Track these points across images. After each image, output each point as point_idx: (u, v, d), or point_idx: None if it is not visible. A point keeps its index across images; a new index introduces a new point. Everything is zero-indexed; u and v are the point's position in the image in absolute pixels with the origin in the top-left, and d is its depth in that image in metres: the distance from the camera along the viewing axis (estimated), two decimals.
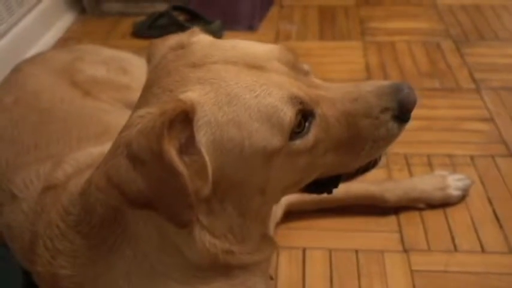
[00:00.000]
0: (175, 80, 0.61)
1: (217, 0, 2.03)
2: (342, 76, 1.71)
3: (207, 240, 0.66)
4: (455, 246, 1.11)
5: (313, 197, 1.15)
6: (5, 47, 1.71)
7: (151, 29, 1.95)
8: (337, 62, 1.80)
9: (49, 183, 0.86)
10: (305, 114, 0.62)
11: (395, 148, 1.38)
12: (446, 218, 1.18)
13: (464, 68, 1.70)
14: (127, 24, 2.08)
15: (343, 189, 1.15)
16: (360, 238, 1.15)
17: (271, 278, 1.05)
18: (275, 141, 0.60)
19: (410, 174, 1.30)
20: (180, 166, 0.55)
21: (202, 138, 0.58)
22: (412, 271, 1.06)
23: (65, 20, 2.09)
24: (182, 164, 0.55)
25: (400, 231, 1.15)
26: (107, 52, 1.36)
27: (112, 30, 2.08)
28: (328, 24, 2.04)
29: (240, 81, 0.59)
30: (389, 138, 0.67)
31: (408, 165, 1.33)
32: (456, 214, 1.18)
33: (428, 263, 1.08)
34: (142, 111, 0.58)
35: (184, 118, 0.57)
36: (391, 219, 1.18)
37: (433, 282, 1.04)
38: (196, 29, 0.73)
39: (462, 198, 1.20)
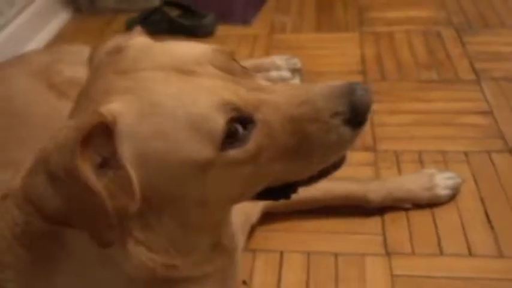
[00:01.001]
0: (101, 89, 0.58)
1: None
2: (336, 69, 1.65)
3: (143, 254, 0.62)
4: (441, 249, 1.05)
5: (293, 198, 1.13)
6: None
7: (144, 25, 1.92)
8: (332, 55, 1.74)
9: (8, 191, 0.85)
10: (242, 121, 0.57)
11: (385, 145, 1.32)
12: (433, 219, 1.11)
13: (465, 58, 1.62)
14: (121, 21, 2.06)
15: (323, 190, 1.12)
16: (340, 241, 1.10)
17: (245, 283, 1.02)
18: (206, 152, 0.55)
19: (400, 172, 1.24)
20: (96, 185, 0.51)
21: (125, 152, 0.54)
22: (393, 276, 1.01)
23: (60, 19, 2.08)
24: (99, 182, 0.52)
25: (384, 234, 1.10)
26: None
27: (106, 27, 2.07)
28: (325, 15, 1.97)
29: (166, 89, 0.55)
30: (343, 144, 0.62)
31: (398, 162, 1.27)
32: (444, 215, 1.12)
33: (411, 267, 1.02)
34: (64, 124, 0.55)
35: (105, 131, 0.53)
36: (375, 221, 1.13)
37: None
38: (138, 30, 0.69)
39: (452, 197, 1.14)
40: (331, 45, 1.79)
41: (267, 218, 1.13)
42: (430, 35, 1.76)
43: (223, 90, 0.57)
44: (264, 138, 0.59)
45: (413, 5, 1.95)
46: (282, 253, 1.09)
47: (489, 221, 1.09)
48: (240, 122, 0.57)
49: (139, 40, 0.65)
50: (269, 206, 1.11)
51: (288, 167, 0.63)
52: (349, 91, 0.59)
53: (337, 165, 0.67)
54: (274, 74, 1.55)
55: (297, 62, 1.60)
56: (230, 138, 0.56)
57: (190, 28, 1.89)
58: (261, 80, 0.64)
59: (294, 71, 1.59)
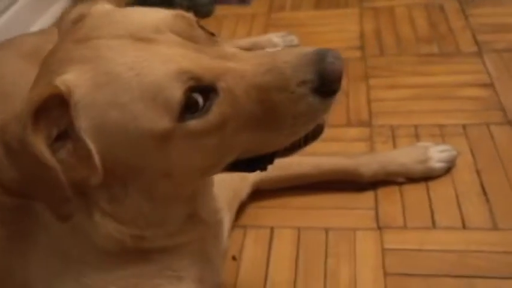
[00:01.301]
0: (59, 59, 0.57)
1: None
2: (334, 45, 1.61)
3: (111, 226, 0.62)
4: (433, 222, 1.03)
5: (284, 174, 1.12)
6: None
7: (143, 6, 1.91)
8: (331, 31, 1.70)
9: None
10: (203, 91, 0.55)
11: (381, 120, 1.30)
12: (427, 192, 1.09)
13: (467, 31, 1.57)
14: (121, 4, 2.05)
15: (313, 165, 1.11)
16: (332, 216, 1.08)
17: (234, 259, 1.02)
18: (163, 123, 0.53)
19: (395, 146, 1.22)
20: (48, 158, 0.51)
21: (82, 123, 0.53)
22: (383, 250, 0.99)
23: (61, 2, 2.08)
24: (55, 155, 0.52)
25: (376, 208, 1.08)
26: None
27: None
28: None
29: (121, 58, 0.53)
30: (313, 114, 0.59)
31: (393, 137, 1.24)
32: (439, 188, 1.10)
33: (402, 241, 1.01)
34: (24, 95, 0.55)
35: (60, 103, 0.53)
36: (368, 196, 1.11)
37: (404, 261, 0.96)
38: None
39: (447, 170, 1.12)
40: (330, 21, 1.75)
41: (258, 194, 1.12)
42: (432, 8, 1.71)
43: (182, 58, 0.55)
44: (229, 107, 0.57)
45: None
46: (272, 229, 1.08)
47: (485, 193, 1.07)
48: (200, 92, 0.55)
49: (100, 7, 0.64)
50: (259, 183, 1.10)
51: (257, 137, 0.61)
52: (318, 59, 0.56)
53: (314, 136, 0.65)
54: (270, 51, 1.53)
55: (293, 39, 1.58)
56: (190, 108, 0.54)
57: (188, 8, 1.86)
58: (229, 48, 0.61)
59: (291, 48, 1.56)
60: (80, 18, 0.64)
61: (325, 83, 0.56)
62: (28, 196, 0.55)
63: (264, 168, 0.68)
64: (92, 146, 0.54)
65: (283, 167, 1.09)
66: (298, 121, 0.59)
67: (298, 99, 0.57)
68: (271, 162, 0.67)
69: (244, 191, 1.07)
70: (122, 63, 0.53)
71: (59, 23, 0.70)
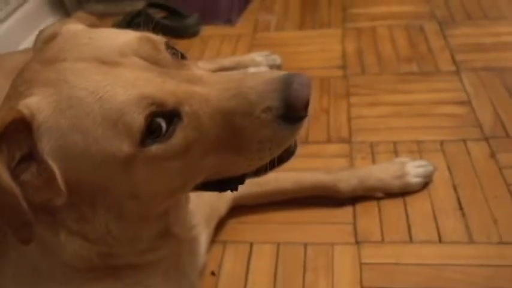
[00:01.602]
0: (25, 80, 0.57)
1: None
2: (316, 64, 1.65)
3: (77, 243, 0.62)
4: (411, 236, 1.04)
5: (263, 189, 1.13)
6: None
7: (129, 27, 1.94)
8: (313, 51, 1.74)
9: None
10: (167, 116, 0.55)
11: (361, 136, 1.32)
12: (405, 207, 1.11)
13: (446, 50, 1.61)
14: (108, 25, 2.08)
15: (292, 180, 1.12)
16: (311, 231, 1.09)
17: (213, 274, 1.02)
18: (124, 148, 0.54)
19: (374, 162, 1.23)
20: (8, 184, 0.51)
21: (45, 146, 0.54)
22: (361, 264, 1.00)
23: (49, 23, 2.11)
24: (13, 181, 0.52)
25: (354, 223, 1.09)
26: None
27: None
28: (309, 13, 1.97)
29: (83, 82, 0.54)
30: (279, 140, 0.59)
31: (373, 153, 1.26)
32: (416, 203, 1.11)
33: (379, 255, 1.01)
34: None
35: (23, 126, 0.53)
36: (347, 210, 1.12)
37: (381, 275, 0.97)
38: (77, 15, 0.70)
39: (424, 186, 1.13)
40: (313, 41, 1.79)
41: (237, 210, 1.13)
42: (412, 29, 1.75)
43: (144, 83, 0.54)
44: (193, 132, 0.57)
45: (396, 0, 1.94)
46: (251, 244, 1.08)
47: (461, 208, 1.08)
48: (163, 116, 0.55)
49: (71, 27, 0.64)
50: (239, 198, 1.11)
51: (223, 161, 0.60)
52: (284, 85, 0.56)
53: (285, 158, 0.65)
54: (253, 70, 1.56)
55: (276, 58, 1.61)
56: (153, 132, 0.54)
57: (174, 29, 1.90)
58: (196, 70, 0.62)
59: (273, 67, 1.59)
60: (53, 37, 0.64)
61: (291, 110, 0.56)
62: None
63: (234, 189, 0.67)
64: (55, 168, 0.54)
65: (262, 183, 1.11)
66: (264, 146, 0.59)
67: (262, 125, 0.57)
68: (241, 182, 0.67)
69: (223, 206, 1.07)
70: (84, 88, 0.53)
71: (34, 42, 0.71)
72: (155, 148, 0.55)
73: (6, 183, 0.51)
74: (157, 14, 1.96)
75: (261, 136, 0.58)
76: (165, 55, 0.60)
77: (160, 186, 0.60)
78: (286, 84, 0.56)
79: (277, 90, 0.56)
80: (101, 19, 2.14)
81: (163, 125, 0.55)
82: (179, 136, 0.56)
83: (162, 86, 0.55)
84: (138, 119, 0.53)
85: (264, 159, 0.61)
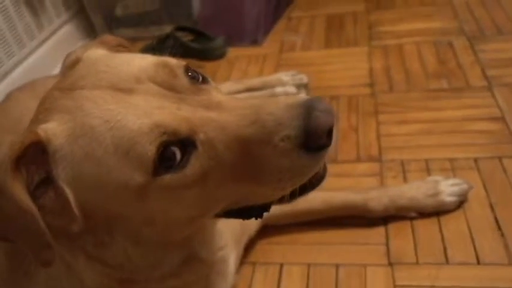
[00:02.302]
0: (45, 107, 0.58)
1: (221, 18, 2.04)
2: (344, 83, 1.64)
3: (97, 269, 0.62)
4: (446, 258, 1.00)
5: (293, 209, 1.11)
6: (18, 79, 1.79)
7: (159, 52, 1.98)
8: (340, 69, 1.73)
9: None
10: (181, 144, 0.54)
11: (391, 155, 1.30)
12: (440, 227, 1.07)
13: (477, 66, 1.57)
14: (137, 49, 2.13)
15: (322, 200, 1.10)
16: (342, 252, 1.07)
17: None
18: (137, 178, 0.53)
19: (406, 181, 1.21)
20: (27, 204, 0.51)
21: (61, 172, 0.54)
22: (395, 286, 0.97)
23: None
24: (35, 202, 0.52)
25: (387, 244, 1.06)
26: None
27: None
28: (334, 32, 1.97)
29: (97, 110, 0.53)
30: (300, 170, 0.55)
31: (404, 172, 1.24)
32: (451, 223, 1.07)
33: (414, 277, 0.98)
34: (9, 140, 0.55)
35: (41, 151, 0.54)
36: (379, 231, 1.09)
37: None
38: (101, 39, 0.70)
39: (459, 205, 1.10)
40: (339, 60, 1.78)
41: (267, 230, 1.12)
42: (440, 45, 1.72)
43: (157, 111, 0.53)
44: (209, 160, 0.55)
45: (423, 17, 1.93)
46: (281, 265, 1.07)
47: (499, 227, 1.04)
48: (177, 145, 0.53)
49: (92, 54, 0.65)
50: (268, 219, 1.10)
51: (243, 190, 0.58)
52: (305, 112, 0.53)
53: (312, 185, 0.61)
54: (279, 89, 1.56)
55: (303, 77, 1.61)
56: (167, 161, 0.53)
57: (202, 51, 1.93)
58: (216, 95, 0.59)
59: (300, 86, 1.59)
60: (75, 63, 0.65)
61: (311, 138, 0.53)
62: (9, 241, 0.55)
63: (259, 216, 0.65)
64: (70, 195, 0.54)
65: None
66: (284, 176, 0.55)
67: (281, 154, 0.54)
68: (266, 210, 0.64)
69: (253, 226, 1.06)
70: (97, 116, 0.53)
71: (62, 65, 0.72)
72: (169, 178, 0.54)
73: (26, 205, 0.51)
74: (185, 37, 2.00)
75: (280, 165, 0.54)
76: (182, 80, 0.58)
77: (176, 215, 0.59)
78: (307, 110, 0.53)
79: (297, 118, 0.53)
80: (131, 43, 2.20)
81: (178, 153, 0.54)
82: (194, 165, 0.54)
83: (176, 113, 0.54)
84: (149, 149, 0.52)
85: (286, 189, 0.58)
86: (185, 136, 0.54)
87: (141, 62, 0.58)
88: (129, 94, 0.54)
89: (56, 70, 2.01)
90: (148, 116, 0.53)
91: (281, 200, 0.62)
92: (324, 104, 0.54)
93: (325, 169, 0.62)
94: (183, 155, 0.54)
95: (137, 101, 0.54)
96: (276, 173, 0.55)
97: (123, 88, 0.55)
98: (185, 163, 0.54)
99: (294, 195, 0.61)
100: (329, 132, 0.54)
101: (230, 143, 0.54)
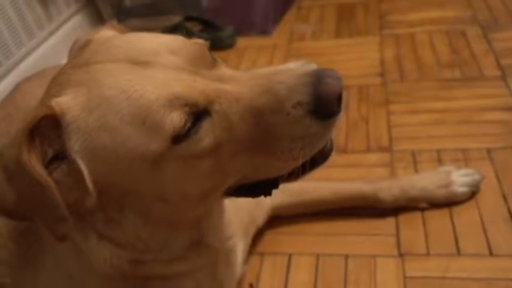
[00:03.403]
0: (58, 83, 0.58)
1: (230, 8, 2.02)
2: (354, 72, 1.62)
3: (107, 249, 0.62)
4: (458, 249, 0.99)
5: (301, 199, 1.10)
6: (27, 69, 1.80)
7: None
8: (350, 59, 1.71)
9: None
10: (196, 114, 0.54)
11: (402, 145, 1.28)
12: (451, 218, 1.05)
13: (490, 55, 1.54)
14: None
15: (331, 190, 1.09)
16: (351, 242, 1.06)
17: (251, 286, 1.00)
18: (154, 146, 0.53)
19: (417, 171, 1.19)
20: (43, 176, 0.51)
21: (74, 145, 0.54)
22: (405, 277, 0.96)
23: None
24: (50, 174, 0.52)
25: (397, 234, 1.05)
26: None
27: None
28: (345, 21, 1.95)
29: (113, 82, 0.54)
30: (311, 138, 0.56)
31: (415, 162, 1.22)
32: (463, 213, 1.06)
33: (425, 268, 0.97)
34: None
35: (55, 124, 0.54)
36: (389, 221, 1.08)
37: None
38: (110, 24, 0.70)
39: (471, 195, 1.08)
40: (350, 49, 1.76)
41: (275, 221, 1.11)
42: (453, 34, 1.69)
43: (175, 82, 0.54)
44: (223, 130, 0.56)
45: (436, 6, 1.89)
46: (290, 256, 1.06)
47: None
48: (193, 115, 0.54)
49: (103, 34, 0.65)
50: (277, 209, 1.09)
51: (255, 162, 0.59)
52: (315, 78, 0.54)
53: (320, 160, 0.62)
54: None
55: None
56: (182, 131, 0.54)
57: (211, 41, 1.91)
58: (227, 70, 0.61)
59: None
60: (87, 44, 0.65)
61: (322, 105, 0.54)
62: (26, 216, 0.56)
63: (268, 193, 0.65)
64: (84, 168, 0.54)
65: (300, 192, 1.09)
66: (296, 145, 0.57)
67: (293, 121, 0.55)
68: (275, 187, 0.65)
69: (261, 216, 1.06)
70: (114, 87, 0.53)
71: (70, 49, 0.72)
72: (184, 146, 0.54)
73: (41, 177, 0.51)
74: (194, 28, 1.99)
75: (292, 134, 0.56)
76: (209, 57, 0.60)
77: (189, 188, 0.59)
78: (317, 78, 0.54)
79: (308, 85, 0.54)
80: None
81: (194, 123, 0.54)
82: (209, 135, 0.55)
83: (192, 85, 0.55)
84: (167, 118, 0.52)
85: (297, 159, 0.58)
86: (202, 107, 0.55)
87: (159, 38, 0.59)
88: (146, 67, 0.55)
89: (65, 60, 2.01)
90: (167, 87, 0.53)
91: (290, 177, 0.62)
92: (333, 71, 0.55)
93: (331, 145, 0.63)
94: (198, 125, 0.55)
95: (154, 73, 0.54)
96: (288, 142, 0.56)
97: (140, 61, 0.55)
98: (200, 133, 0.55)
99: (304, 170, 0.62)
100: (339, 99, 0.55)
101: (244, 113, 0.56)
